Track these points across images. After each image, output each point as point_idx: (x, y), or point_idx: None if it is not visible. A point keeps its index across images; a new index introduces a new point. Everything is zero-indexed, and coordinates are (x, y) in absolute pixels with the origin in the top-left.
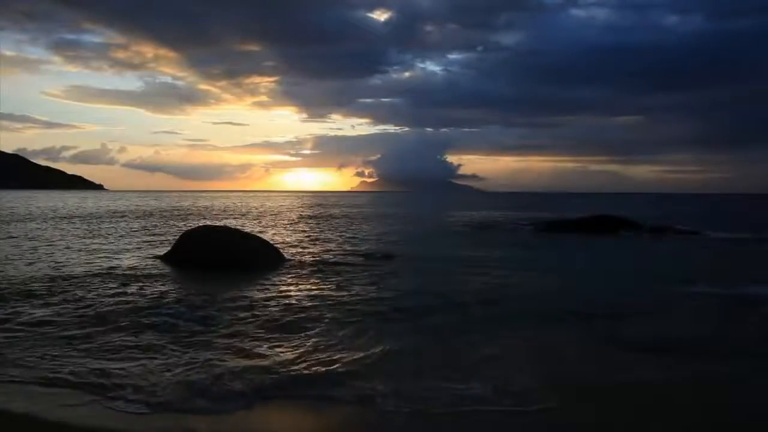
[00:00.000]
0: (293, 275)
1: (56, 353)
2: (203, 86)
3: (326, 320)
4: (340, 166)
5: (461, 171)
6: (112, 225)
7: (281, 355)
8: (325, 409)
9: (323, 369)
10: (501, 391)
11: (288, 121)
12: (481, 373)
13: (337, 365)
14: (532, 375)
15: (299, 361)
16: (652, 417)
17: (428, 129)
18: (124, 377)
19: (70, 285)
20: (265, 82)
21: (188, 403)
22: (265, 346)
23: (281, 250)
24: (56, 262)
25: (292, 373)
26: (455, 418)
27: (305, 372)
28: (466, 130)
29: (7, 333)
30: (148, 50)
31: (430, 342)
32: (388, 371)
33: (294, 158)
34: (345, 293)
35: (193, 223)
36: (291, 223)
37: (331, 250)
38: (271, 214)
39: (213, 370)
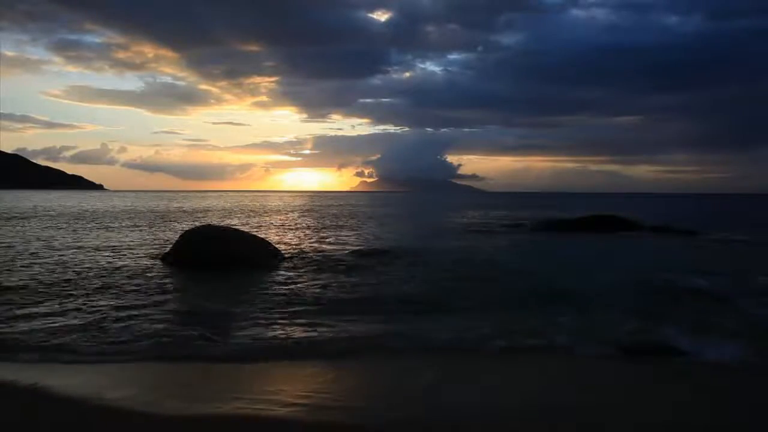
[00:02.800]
0: (291, 274)
1: (66, 351)
2: (203, 86)
3: (319, 318)
4: (340, 166)
5: (461, 171)
6: (112, 225)
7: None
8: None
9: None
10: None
11: (288, 121)
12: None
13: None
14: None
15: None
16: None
17: (428, 129)
18: (131, 376)
19: (73, 285)
20: (265, 82)
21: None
22: (254, 343)
23: (280, 250)
24: (57, 262)
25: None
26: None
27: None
28: (466, 130)
29: (22, 333)
30: (149, 50)
31: (419, 344)
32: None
33: (294, 158)
34: (340, 292)
35: (193, 223)
36: (290, 223)
37: (329, 250)
38: (271, 214)
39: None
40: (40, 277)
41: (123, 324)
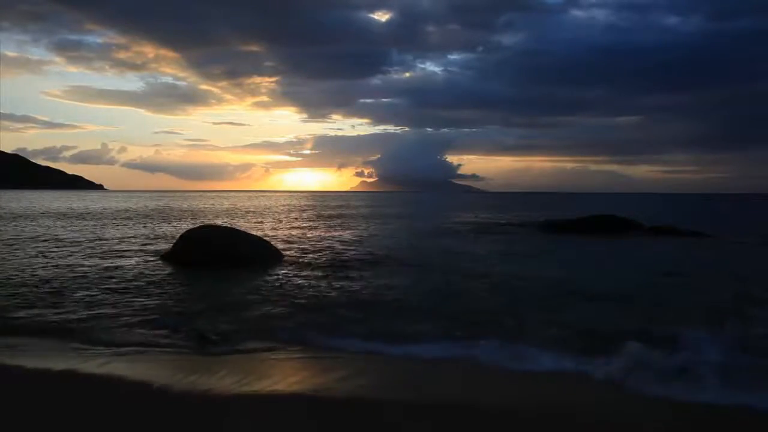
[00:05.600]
0: (290, 275)
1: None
2: (204, 86)
3: (319, 319)
4: (340, 166)
5: (461, 171)
6: (112, 225)
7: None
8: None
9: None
10: None
11: (288, 121)
12: None
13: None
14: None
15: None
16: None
17: (428, 129)
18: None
19: (73, 285)
20: (266, 82)
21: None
22: (260, 338)
23: (280, 249)
24: (57, 263)
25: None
26: None
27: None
28: (466, 130)
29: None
30: (150, 51)
31: (417, 348)
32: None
33: (294, 158)
34: (339, 293)
35: (193, 223)
36: (290, 223)
37: (329, 250)
38: (271, 214)
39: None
40: (40, 277)
41: (121, 323)
